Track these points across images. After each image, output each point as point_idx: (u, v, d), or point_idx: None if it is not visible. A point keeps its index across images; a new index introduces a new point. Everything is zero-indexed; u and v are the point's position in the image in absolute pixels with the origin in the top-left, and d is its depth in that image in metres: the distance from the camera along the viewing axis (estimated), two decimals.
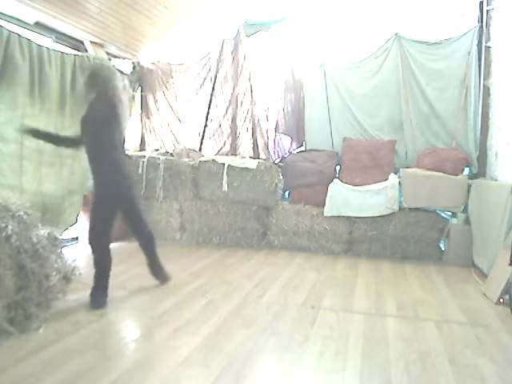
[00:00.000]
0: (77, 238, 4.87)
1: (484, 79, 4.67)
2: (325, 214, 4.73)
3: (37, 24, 4.41)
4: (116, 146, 3.05)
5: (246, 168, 4.85)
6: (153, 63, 5.86)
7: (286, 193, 5.21)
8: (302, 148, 5.59)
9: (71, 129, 4.50)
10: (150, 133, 6.04)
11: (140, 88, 5.94)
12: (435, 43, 4.91)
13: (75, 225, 4.67)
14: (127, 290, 3.35)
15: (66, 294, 2.88)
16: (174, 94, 5.87)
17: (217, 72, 5.47)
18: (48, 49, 4.19)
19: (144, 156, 5.30)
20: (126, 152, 3.23)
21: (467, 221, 4.38)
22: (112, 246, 3.91)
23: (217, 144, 5.65)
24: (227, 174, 4.87)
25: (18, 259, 2.48)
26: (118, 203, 3.12)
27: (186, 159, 5.26)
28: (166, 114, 5.92)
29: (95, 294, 3.00)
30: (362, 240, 4.71)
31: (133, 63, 5.73)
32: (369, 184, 4.69)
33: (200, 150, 5.69)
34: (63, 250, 3.02)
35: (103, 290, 3.03)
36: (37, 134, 3.32)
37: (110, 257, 3.08)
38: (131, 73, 5.67)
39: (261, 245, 4.96)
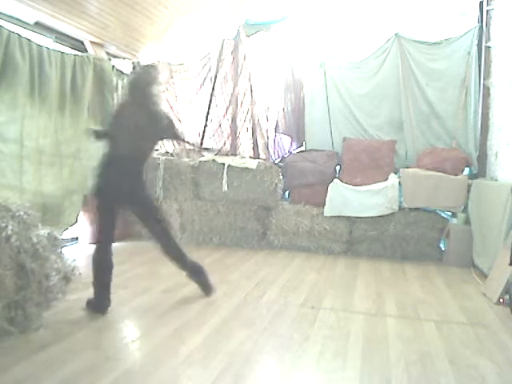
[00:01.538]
0: (77, 238, 4.86)
1: (484, 79, 4.67)
2: (325, 214, 4.73)
3: (37, 24, 4.41)
4: (113, 141, 2.97)
5: (246, 168, 4.85)
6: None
7: (286, 193, 5.21)
8: (302, 148, 5.59)
9: (71, 129, 4.50)
10: None
11: None
12: (435, 43, 4.92)
13: (75, 225, 4.67)
14: (128, 289, 3.35)
15: (65, 294, 2.87)
16: (174, 94, 5.87)
17: (217, 72, 5.46)
18: (48, 49, 4.19)
19: None
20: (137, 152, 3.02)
21: (467, 221, 4.38)
22: (112, 246, 3.87)
23: (217, 144, 5.64)
24: (227, 173, 4.87)
25: (18, 259, 2.48)
26: (104, 200, 2.94)
27: (186, 159, 5.26)
28: None
29: (93, 299, 2.89)
30: (362, 240, 4.71)
31: (133, 63, 5.72)
32: (369, 184, 4.69)
33: None
34: (63, 249, 3.01)
35: (96, 293, 2.87)
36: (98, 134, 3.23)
37: (101, 258, 2.89)
38: (131, 73, 5.67)
39: (261, 245, 4.96)
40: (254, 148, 5.39)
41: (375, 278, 3.90)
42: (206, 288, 3.22)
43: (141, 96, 2.98)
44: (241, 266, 4.18)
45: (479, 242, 4.12)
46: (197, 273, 3.19)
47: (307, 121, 5.45)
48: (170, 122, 3.19)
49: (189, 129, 5.82)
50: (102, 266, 2.91)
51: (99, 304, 2.87)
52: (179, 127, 3.45)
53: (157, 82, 3.11)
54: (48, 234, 2.82)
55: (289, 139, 5.64)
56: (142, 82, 3.04)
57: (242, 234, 4.99)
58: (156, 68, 3.24)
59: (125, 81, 5.51)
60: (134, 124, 2.92)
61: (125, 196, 2.95)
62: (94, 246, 2.95)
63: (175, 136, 3.36)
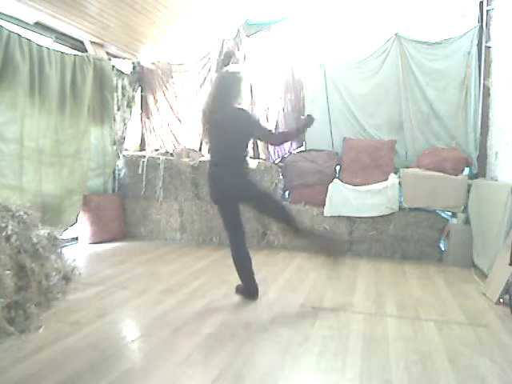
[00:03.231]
0: (77, 238, 4.86)
1: (484, 79, 4.67)
2: (325, 214, 4.73)
3: (37, 24, 4.42)
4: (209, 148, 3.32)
5: None
6: (153, 63, 5.86)
7: (286, 193, 5.21)
8: (302, 148, 5.58)
9: (71, 129, 4.51)
10: (150, 133, 6.05)
11: (140, 88, 5.94)
12: (435, 43, 4.91)
13: (75, 225, 4.67)
14: (128, 289, 3.35)
15: (66, 294, 2.87)
16: (174, 94, 5.87)
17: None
18: (48, 49, 4.19)
19: (144, 156, 5.30)
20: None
21: (467, 221, 4.38)
22: (112, 246, 3.88)
23: None
24: None
25: (18, 259, 2.48)
26: (220, 204, 3.24)
27: (186, 159, 5.26)
28: (166, 114, 5.92)
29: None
30: (362, 240, 4.71)
31: (133, 63, 5.73)
32: (369, 184, 4.69)
33: (200, 150, 5.69)
34: (63, 249, 3.02)
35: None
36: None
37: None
38: (131, 73, 5.68)
39: (261, 245, 4.96)
40: (253, 148, 5.38)
41: (375, 277, 3.90)
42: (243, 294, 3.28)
43: (227, 94, 3.09)
44: None
45: (479, 241, 4.12)
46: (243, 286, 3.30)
47: None
48: (256, 123, 3.28)
49: (189, 129, 5.84)
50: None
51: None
52: (267, 128, 3.57)
53: (242, 82, 3.22)
54: (48, 233, 2.82)
55: None
56: (231, 79, 3.17)
57: None
58: (239, 73, 3.33)
59: (125, 81, 5.53)
60: (220, 127, 3.07)
61: (233, 194, 3.15)
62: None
63: (268, 137, 3.39)
